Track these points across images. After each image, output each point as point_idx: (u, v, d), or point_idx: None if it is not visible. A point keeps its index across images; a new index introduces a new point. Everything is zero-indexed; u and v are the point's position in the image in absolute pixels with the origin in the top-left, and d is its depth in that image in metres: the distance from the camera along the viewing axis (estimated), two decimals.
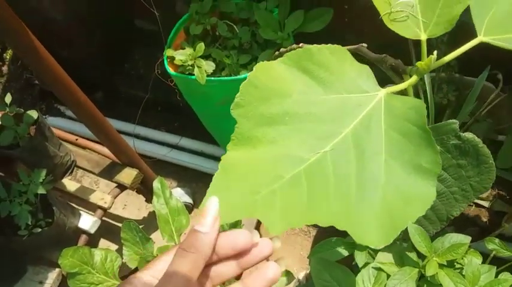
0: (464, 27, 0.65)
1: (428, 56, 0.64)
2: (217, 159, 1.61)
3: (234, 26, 1.21)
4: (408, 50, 0.99)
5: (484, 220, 1.11)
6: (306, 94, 0.54)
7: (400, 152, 0.50)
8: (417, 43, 1.01)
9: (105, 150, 1.31)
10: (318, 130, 0.53)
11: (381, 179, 0.49)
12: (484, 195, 1.14)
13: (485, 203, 1.13)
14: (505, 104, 1.02)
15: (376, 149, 0.52)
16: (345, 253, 0.85)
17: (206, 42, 1.24)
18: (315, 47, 0.55)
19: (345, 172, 0.52)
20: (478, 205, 1.14)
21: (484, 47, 0.62)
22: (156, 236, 1.40)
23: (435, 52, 0.65)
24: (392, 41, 0.84)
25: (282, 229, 0.49)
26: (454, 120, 0.64)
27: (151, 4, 1.25)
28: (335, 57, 0.55)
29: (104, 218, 1.39)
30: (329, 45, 0.56)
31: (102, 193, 1.32)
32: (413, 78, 0.63)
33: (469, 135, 0.63)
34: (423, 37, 0.62)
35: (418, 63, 0.63)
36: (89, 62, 1.67)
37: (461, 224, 1.12)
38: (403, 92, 0.62)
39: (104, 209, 1.30)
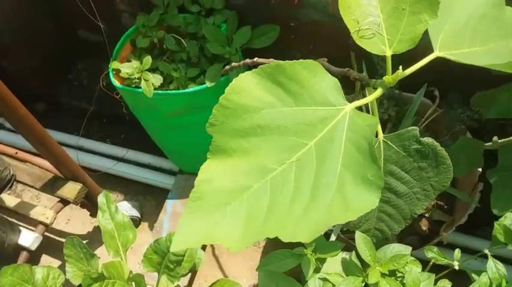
0: None
1: (392, 70, 0.67)
2: (165, 171, 1.59)
3: (182, 40, 1.21)
4: (350, 65, 1.02)
5: (424, 228, 1.16)
6: (277, 107, 0.57)
7: (353, 164, 0.54)
8: (360, 59, 1.05)
9: (46, 164, 1.27)
10: (286, 142, 0.57)
11: (333, 188, 0.53)
12: None
13: (426, 213, 1.18)
14: (442, 119, 1.08)
15: (335, 161, 0.56)
16: (293, 264, 0.86)
17: (153, 55, 1.23)
18: (287, 62, 0.59)
19: (305, 181, 0.56)
20: (418, 215, 1.18)
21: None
22: (101, 251, 1.37)
23: (400, 67, 0.69)
24: (336, 57, 0.88)
25: (242, 246, 0.52)
26: (414, 127, 0.68)
27: (96, 16, 1.23)
28: (307, 71, 0.59)
29: (46, 234, 1.34)
30: (301, 60, 0.59)
31: (43, 208, 1.28)
32: (379, 91, 0.66)
33: (428, 139, 0.67)
34: (388, 53, 0.66)
35: (385, 78, 0.67)
36: (31, 72, 1.62)
37: (403, 232, 1.17)
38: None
39: (46, 225, 1.25)
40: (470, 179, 1.07)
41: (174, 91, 1.17)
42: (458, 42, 0.65)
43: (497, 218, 0.81)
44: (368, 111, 0.98)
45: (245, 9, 1.21)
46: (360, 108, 1.04)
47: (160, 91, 1.16)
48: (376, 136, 0.67)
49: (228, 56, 1.17)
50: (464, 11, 0.67)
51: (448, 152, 0.89)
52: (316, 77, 0.57)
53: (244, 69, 1.19)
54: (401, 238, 1.16)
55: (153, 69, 1.20)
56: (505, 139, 0.85)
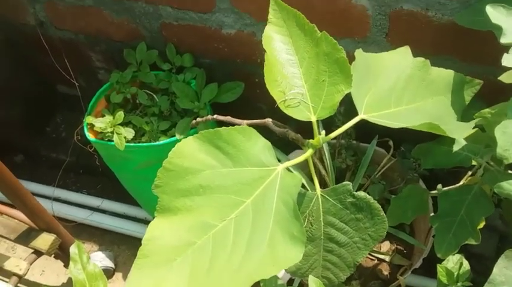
0: None
1: (319, 133, 0.75)
2: (140, 221, 1.62)
3: (154, 95, 1.28)
4: None
5: (386, 273, 1.21)
6: (217, 168, 0.63)
7: (283, 221, 0.60)
8: None
9: (21, 215, 1.30)
10: (226, 200, 0.62)
11: (265, 243, 0.58)
12: (385, 250, 1.24)
13: (386, 258, 1.23)
14: (396, 168, 1.16)
15: (268, 217, 0.61)
16: None
17: (127, 110, 1.30)
18: (224, 129, 0.65)
19: (242, 236, 0.60)
20: (380, 259, 1.24)
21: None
22: None
23: (323, 132, 0.76)
24: None
25: None
26: (347, 183, 0.74)
27: (71, 74, 1.31)
28: (241, 135, 0.65)
29: (20, 285, 1.35)
30: (236, 126, 0.66)
31: (17, 260, 1.30)
32: (309, 152, 0.73)
33: (361, 193, 0.73)
34: (313, 119, 0.73)
35: (311, 141, 0.74)
36: (10, 126, 1.67)
37: (365, 278, 1.22)
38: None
39: (19, 276, 1.27)
40: (425, 225, 1.14)
41: (145, 144, 1.23)
42: (384, 103, 0.72)
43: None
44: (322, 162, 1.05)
45: (213, 67, 1.29)
46: (321, 159, 1.10)
47: (132, 144, 1.22)
48: (315, 191, 0.73)
49: (197, 110, 1.24)
50: (391, 75, 0.75)
51: (396, 200, 0.96)
52: (251, 141, 0.64)
53: (211, 123, 1.27)
54: (364, 283, 1.21)
55: (126, 123, 1.26)
56: (448, 187, 0.92)
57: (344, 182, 0.72)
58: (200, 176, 0.63)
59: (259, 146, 0.65)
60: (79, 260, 1.13)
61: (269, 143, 0.67)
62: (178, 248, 0.59)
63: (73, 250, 1.13)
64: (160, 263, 0.58)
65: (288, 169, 0.67)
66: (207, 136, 0.64)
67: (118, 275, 1.56)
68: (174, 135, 1.22)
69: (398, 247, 1.24)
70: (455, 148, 0.77)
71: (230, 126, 0.66)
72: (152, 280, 0.57)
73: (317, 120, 0.73)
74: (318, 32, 0.69)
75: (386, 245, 1.24)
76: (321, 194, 0.71)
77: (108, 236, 1.64)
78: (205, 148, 0.64)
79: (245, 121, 0.84)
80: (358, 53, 0.76)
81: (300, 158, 0.70)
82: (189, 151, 0.64)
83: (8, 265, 1.30)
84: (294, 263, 0.56)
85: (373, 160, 1.14)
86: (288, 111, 0.70)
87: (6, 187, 1.09)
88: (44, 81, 1.67)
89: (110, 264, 1.53)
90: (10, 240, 1.32)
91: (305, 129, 0.80)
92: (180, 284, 0.56)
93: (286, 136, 0.78)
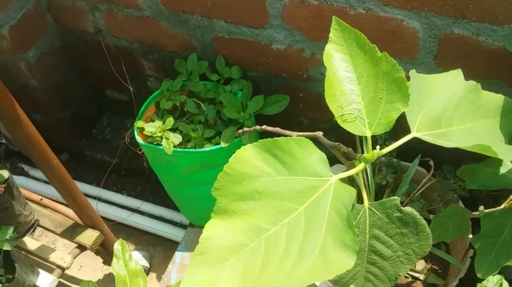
0: (400, 120, 0.79)
1: (373, 148, 0.78)
2: (175, 224, 1.67)
3: (201, 104, 1.33)
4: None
5: None
6: (273, 175, 0.67)
7: (335, 229, 0.63)
8: None
9: (67, 211, 1.37)
10: (280, 206, 0.66)
11: (317, 249, 0.61)
12: (420, 268, 1.25)
13: (421, 276, 1.24)
14: (436, 187, 1.17)
15: (320, 225, 0.64)
16: None
17: (175, 116, 1.35)
18: (282, 139, 0.69)
19: (294, 242, 0.64)
20: (414, 278, 1.25)
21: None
22: None
23: (378, 147, 0.79)
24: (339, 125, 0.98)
25: None
26: (396, 197, 0.76)
27: (127, 80, 1.37)
28: (298, 146, 0.68)
29: (59, 279, 1.41)
30: (294, 137, 0.70)
31: (61, 253, 1.36)
32: (361, 166, 0.76)
33: (408, 209, 0.75)
34: (368, 134, 0.75)
35: (365, 155, 0.77)
36: (59, 125, 1.75)
37: None
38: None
39: (63, 269, 1.33)
40: (463, 246, 1.15)
41: (191, 149, 1.28)
42: (436, 123, 0.75)
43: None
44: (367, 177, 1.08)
45: (259, 80, 1.34)
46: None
47: (179, 149, 1.27)
48: (363, 203, 0.76)
49: (242, 120, 1.29)
50: (443, 96, 0.78)
51: (437, 219, 0.98)
52: (307, 152, 0.67)
53: (255, 133, 1.31)
54: None
55: (173, 129, 1.32)
56: (490, 209, 0.93)
57: (392, 197, 0.74)
58: (257, 182, 0.66)
59: (315, 157, 0.68)
60: (122, 257, 1.19)
61: (324, 155, 0.70)
62: (231, 249, 0.62)
63: (117, 247, 1.18)
64: (214, 262, 0.62)
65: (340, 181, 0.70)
66: (266, 145, 0.68)
67: (152, 276, 1.60)
68: (219, 143, 1.27)
69: (434, 266, 1.25)
70: (502, 170, 0.79)
71: (288, 137, 0.70)
72: (207, 277, 0.61)
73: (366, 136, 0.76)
74: (379, 52, 0.73)
75: (421, 264, 1.25)
76: (368, 207, 0.74)
77: (145, 237, 1.70)
78: (263, 156, 0.67)
79: (295, 133, 0.88)
80: (412, 73, 0.80)
81: (352, 171, 0.73)
82: (247, 157, 0.67)
83: (53, 258, 1.36)
84: (346, 270, 0.59)
85: (412, 178, 1.16)
86: (345, 126, 0.74)
87: (61, 184, 1.16)
88: (95, 85, 1.74)
89: (145, 264, 1.58)
90: (56, 234, 1.38)
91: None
92: (232, 284, 0.59)
93: (337, 149, 0.81)
